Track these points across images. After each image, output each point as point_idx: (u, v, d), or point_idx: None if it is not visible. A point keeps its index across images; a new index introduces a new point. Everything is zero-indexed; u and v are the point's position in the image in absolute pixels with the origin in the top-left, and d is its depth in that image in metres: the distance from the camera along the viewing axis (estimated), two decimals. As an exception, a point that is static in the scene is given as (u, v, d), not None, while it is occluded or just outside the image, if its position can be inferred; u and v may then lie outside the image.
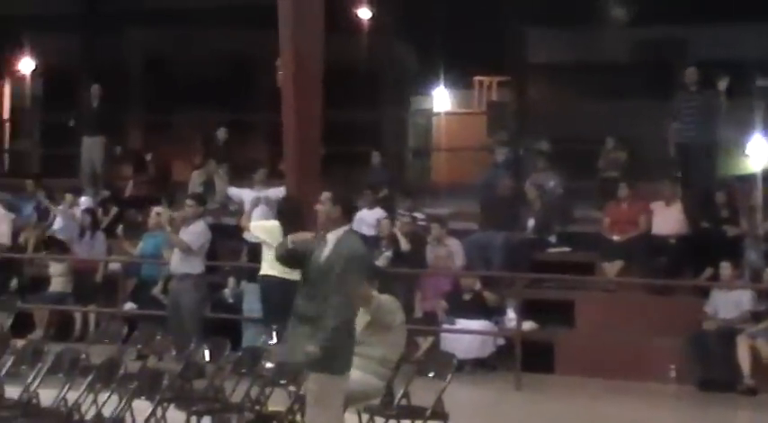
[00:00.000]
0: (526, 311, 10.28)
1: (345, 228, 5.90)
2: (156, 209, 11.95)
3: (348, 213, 5.98)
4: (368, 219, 12.12)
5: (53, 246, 12.58)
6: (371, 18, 16.45)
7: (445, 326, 10.61)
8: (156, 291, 11.55)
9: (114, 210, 13.64)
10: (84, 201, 13.52)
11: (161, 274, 11.45)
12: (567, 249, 11.63)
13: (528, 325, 10.46)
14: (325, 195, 5.88)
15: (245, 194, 12.08)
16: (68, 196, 13.42)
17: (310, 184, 9.89)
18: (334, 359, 5.72)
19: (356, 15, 16.44)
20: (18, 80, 17.56)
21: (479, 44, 15.06)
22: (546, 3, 15.02)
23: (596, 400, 9.41)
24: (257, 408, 7.10)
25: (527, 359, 9.82)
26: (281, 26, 9.56)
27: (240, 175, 13.83)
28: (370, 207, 12.28)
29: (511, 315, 10.55)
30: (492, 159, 12.90)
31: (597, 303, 10.82)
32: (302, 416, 6.48)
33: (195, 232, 9.92)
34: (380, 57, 16.70)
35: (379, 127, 16.55)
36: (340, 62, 12.24)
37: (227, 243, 11.86)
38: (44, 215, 13.72)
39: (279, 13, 9.50)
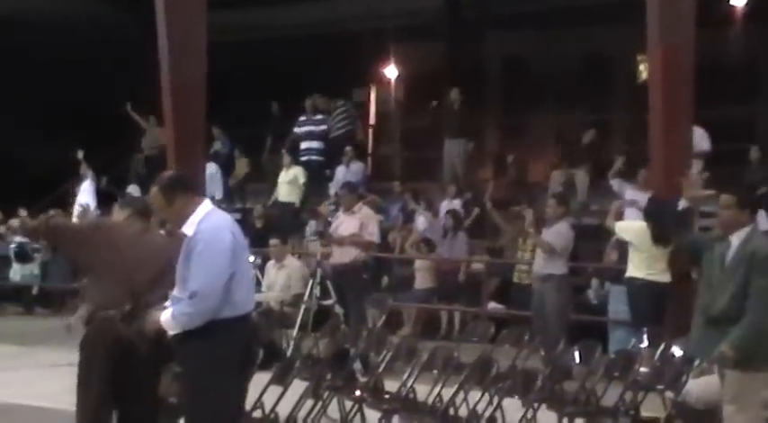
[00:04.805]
0: None
1: (748, 227, 5.90)
2: None
3: (754, 214, 6.09)
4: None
5: (423, 245, 13.02)
6: (746, 5, 15.37)
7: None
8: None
9: (476, 211, 13.92)
10: (447, 203, 13.90)
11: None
12: None
13: None
14: (731, 199, 5.89)
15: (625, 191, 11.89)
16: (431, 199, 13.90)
17: (677, 184, 9.51)
18: (754, 356, 5.67)
19: (728, 3, 15.45)
20: (383, 87, 18.33)
21: None
22: None
23: None
24: (631, 413, 6.92)
25: None
26: (649, 21, 9.23)
27: (599, 175, 13.64)
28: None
29: None
30: None
31: None
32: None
33: (558, 233, 9.88)
34: (755, 47, 15.63)
35: (754, 122, 15.58)
36: (711, 55, 11.62)
37: (590, 244, 11.68)
38: (410, 217, 14.27)
39: (648, 8, 9.18)
